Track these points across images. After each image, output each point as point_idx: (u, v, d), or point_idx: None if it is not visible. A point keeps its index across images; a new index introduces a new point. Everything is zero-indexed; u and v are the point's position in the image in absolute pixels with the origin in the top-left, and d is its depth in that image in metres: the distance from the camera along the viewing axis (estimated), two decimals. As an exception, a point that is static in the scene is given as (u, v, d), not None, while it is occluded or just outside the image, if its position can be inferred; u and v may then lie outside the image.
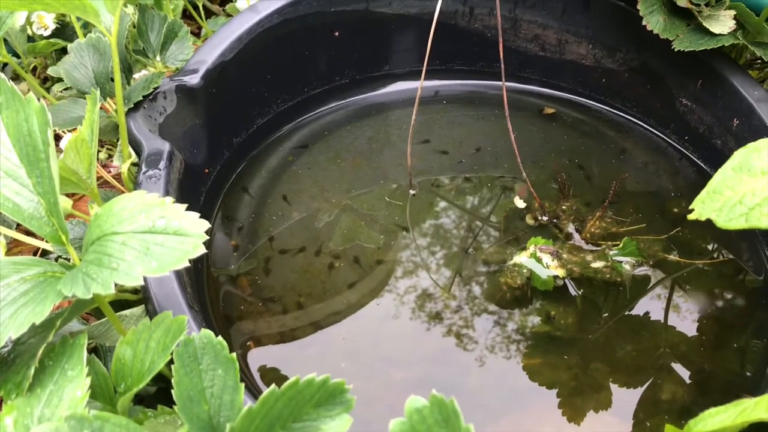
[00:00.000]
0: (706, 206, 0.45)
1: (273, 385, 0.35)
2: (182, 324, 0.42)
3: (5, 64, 0.92)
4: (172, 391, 0.39)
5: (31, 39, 0.82)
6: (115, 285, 0.38)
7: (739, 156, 0.46)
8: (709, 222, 0.45)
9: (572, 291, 0.63)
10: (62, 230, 0.43)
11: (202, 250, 0.38)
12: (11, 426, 0.39)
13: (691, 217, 0.46)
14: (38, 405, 0.40)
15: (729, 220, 0.43)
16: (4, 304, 0.40)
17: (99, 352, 0.53)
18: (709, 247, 0.68)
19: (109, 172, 0.76)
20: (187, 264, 0.38)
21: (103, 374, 0.44)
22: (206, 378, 0.40)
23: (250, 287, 0.64)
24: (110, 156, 0.76)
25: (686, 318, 0.63)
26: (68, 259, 0.54)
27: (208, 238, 0.39)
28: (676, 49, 0.68)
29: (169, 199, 0.40)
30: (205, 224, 0.39)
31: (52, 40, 0.80)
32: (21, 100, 0.43)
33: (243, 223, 0.70)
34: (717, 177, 0.46)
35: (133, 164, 0.62)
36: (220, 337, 0.41)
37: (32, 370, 0.40)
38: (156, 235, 0.39)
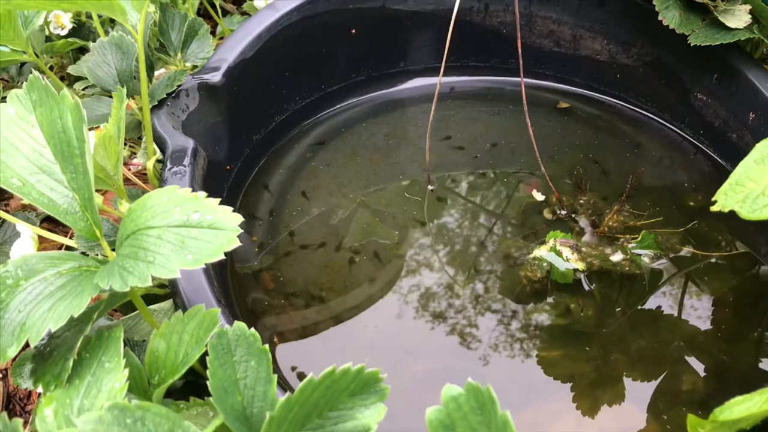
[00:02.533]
0: (729, 198, 0.45)
1: (311, 375, 0.36)
2: (215, 316, 0.43)
3: (22, 64, 0.92)
4: (208, 383, 0.40)
5: (48, 38, 0.83)
6: (152, 278, 0.38)
7: (760, 148, 0.47)
8: (725, 215, 0.46)
9: (591, 284, 0.64)
10: (96, 225, 0.43)
11: (237, 244, 0.39)
12: (51, 416, 0.40)
13: (714, 208, 0.46)
14: (77, 396, 0.40)
15: (753, 211, 0.44)
16: (42, 298, 0.41)
17: (129, 345, 0.53)
18: (726, 239, 0.69)
19: (130, 169, 0.77)
20: (223, 257, 0.39)
21: (137, 366, 0.44)
22: (240, 369, 0.41)
23: (273, 282, 0.65)
24: (133, 153, 0.77)
25: (704, 310, 0.63)
26: (95, 255, 0.54)
27: (241, 231, 0.40)
28: (692, 44, 0.69)
29: (203, 194, 0.41)
30: (239, 218, 0.40)
31: (69, 39, 0.80)
32: (55, 97, 0.44)
33: (264, 218, 0.71)
34: (739, 169, 0.47)
35: (158, 161, 0.63)
36: (252, 329, 0.41)
37: (71, 362, 0.41)
38: (191, 228, 0.40)
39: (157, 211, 0.41)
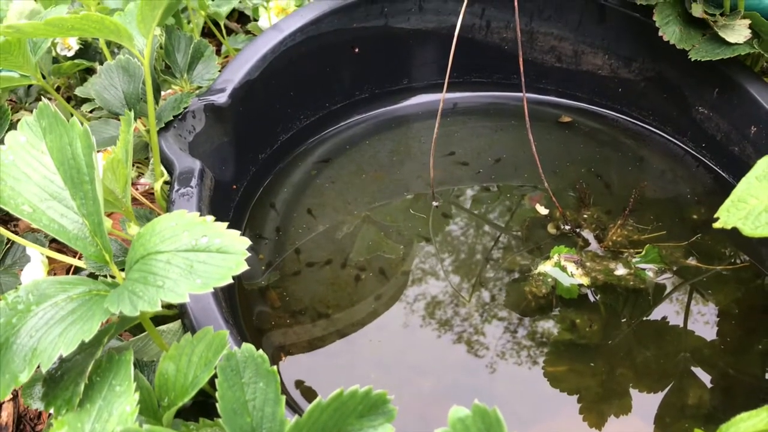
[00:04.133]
0: (732, 215, 0.46)
1: (319, 397, 0.36)
2: (223, 339, 0.43)
3: (29, 86, 0.93)
4: (217, 405, 0.40)
5: (55, 60, 0.84)
6: (161, 302, 0.39)
7: (762, 164, 0.47)
8: (728, 228, 0.46)
9: (596, 299, 0.64)
10: (106, 250, 0.44)
11: (245, 267, 0.40)
12: (63, 440, 0.40)
13: (716, 225, 0.47)
14: (88, 420, 0.41)
15: (755, 228, 0.44)
16: (53, 323, 0.41)
17: (138, 366, 0.54)
18: (729, 252, 0.69)
19: (137, 189, 0.78)
20: (231, 281, 0.39)
21: (147, 389, 0.45)
22: (248, 391, 0.41)
23: (279, 300, 0.65)
24: (140, 174, 0.77)
25: (709, 323, 0.64)
26: (104, 276, 0.55)
27: (249, 255, 0.40)
28: (692, 59, 0.69)
29: (210, 218, 0.42)
30: (247, 242, 0.41)
31: (76, 61, 0.81)
32: (65, 125, 0.44)
33: (270, 236, 0.72)
34: (741, 186, 0.47)
35: (165, 182, 0.64)
36: (261, 351, 0.42)
37: (82, 387, 0.41)
38: (199, 253, 0.41)
39: (165, 236, 0.42)
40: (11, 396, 0.64)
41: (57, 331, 0.41)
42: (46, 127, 0.45)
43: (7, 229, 0.75)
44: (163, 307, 0.59)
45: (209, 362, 0.43)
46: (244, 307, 0.65)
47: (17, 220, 0.79)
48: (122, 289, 0.41)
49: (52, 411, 0.42)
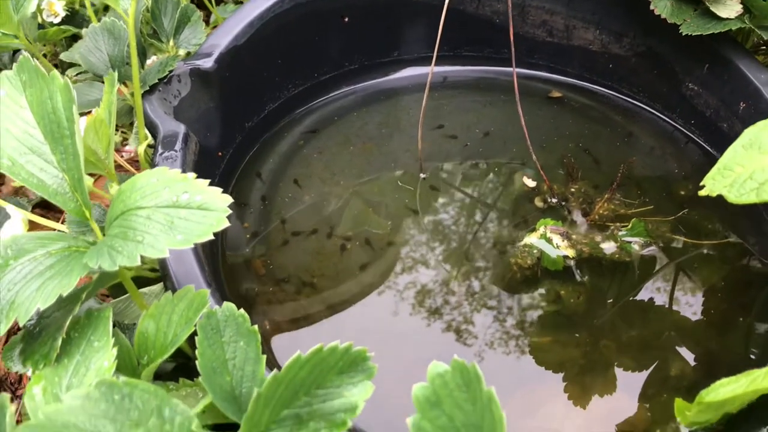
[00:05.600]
0: (717, 182, 0.46)
1: (298, 352, 0.36)
2: (204, 297, 0.43)
3: (15, 52, 0.92)
4: (196, 362, 0.40)
5: (41, 26, 0.83)
6: (141, 258, 0.39)
7: (749, 134, 0.47)
8: (715, 204, 0.46)
9: (581, 271, 0.64)
10: (86, 206, 0.43)
11: (226, 224, 0.39)
12: (40, 394, 0.40)
13: (702, 193, 0.47)
14: (66, 375, 0.40)
15: (740, 195, 0.44)
16: (31, 277, 0.41)
17: (119, 328, 0.54)
18: (716, 227, 0.69)
19: (122, 156, 0.77)
20: (212, 237, 0.39)
21: (126, 347, 0.45)
22: (228, 350, 0.41)
23: (264, 268, 0.65)
24: (125, 140, 0.77)
25: (693, 299, 0.64)
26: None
27: (231, 212, 0.40)
28: (683, 34, 0.69)
29: (192, 175, 0.41)
30: (228, 199, 0.40)
31: (62, 27, 0.80)
32: (45, 78, 0.44)
33: (255, 205, 0.71)
34: (727, 154, 0.47)
35: (149, 146, 0.63)
36: (242, 310, 0.42)
37: (59, 341, 0.41)
38: (180, 209, 0.40)
39: (146, 192, 0.41)
40: (-9, 360, 0.64)
41: (35, 285, 0.40)
42: (26, 81, 0.45)
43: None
44: (146, 269, 0.58)
45: (189, 320, 0.43)
46: (227, 274, 0.64)
47: (1, 183, 0.78)
48: (102, 244, 0.41)
49: (29, 367, 0.42)
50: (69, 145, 0.43)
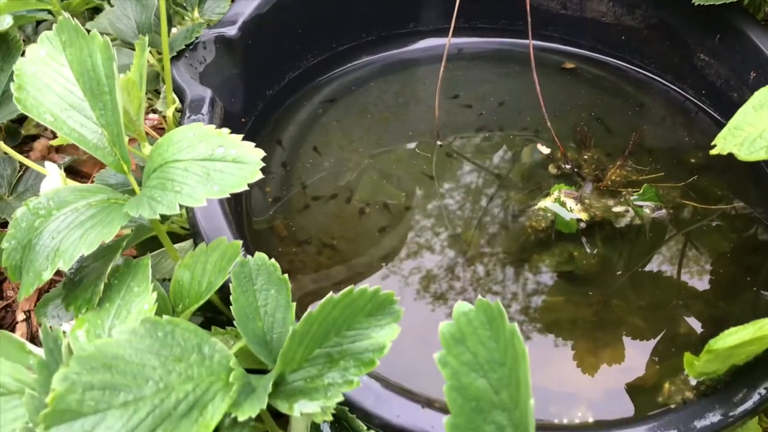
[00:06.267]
0: (728, 141, 0.48)
1: (330, 293, 0.38)
2: (237, 247, 0.45)
3: (38, 23, 0.94)
4: (231, 308, 0.42)
5: (65, -2, 0.84)
6: (180, 206, 0.41)
7: (759, 95, 0.49)
8: (724, 171, 0.48)
9: (594, 233, 0.66)
10: (125, 160, 0.46)
11: (260, 176, 0.41)
12: (84, 336, 0.42)
13: (713, 152, 0.48)
14: (108, 318, 0.43)
15: (750, 153, 0.46)
16: (74, 226, 0.43)
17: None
18: (725, 194, 0.71)
19: (146, 123, 0.79)
20: (246, 188, 0.41)
21: (162, 295, 0.47)
22: (260, 297, 0.43)
23: (286, 230, 0.67)
24: (150, 106, 0.79)
25: (702, 263, 0.66)
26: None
27: (264, 165, 0.42)
28: (695, 4, 0.70)
29: (226, 130, 0.43)
30: (261, 153, 0.42)
31: (86, -2, 0.82)
32: (85, 37, 0.46)
33: (276, 171, 0.73)
34: (738, 115, 0.49)
35: (177, 110, 0.65)
36: (273, 260, 0.44)
37: (101, 287, 0.43)
38: (215, 162, 0.42)
39: (183, 146, 0.43)
40: (24, 317, 0.66)
41: (78, 233, 0.42)
42: (66, 41, 0.47)
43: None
44: (178, 227, 0.61)
45: (223, 269, 0.45)
46: (252, 236, 0.66)
47: (29, 150, 0.80)
48: (141, 195, 0.43)
49: (72, 311, 0.44)
50: (108, 101, 0.45)
